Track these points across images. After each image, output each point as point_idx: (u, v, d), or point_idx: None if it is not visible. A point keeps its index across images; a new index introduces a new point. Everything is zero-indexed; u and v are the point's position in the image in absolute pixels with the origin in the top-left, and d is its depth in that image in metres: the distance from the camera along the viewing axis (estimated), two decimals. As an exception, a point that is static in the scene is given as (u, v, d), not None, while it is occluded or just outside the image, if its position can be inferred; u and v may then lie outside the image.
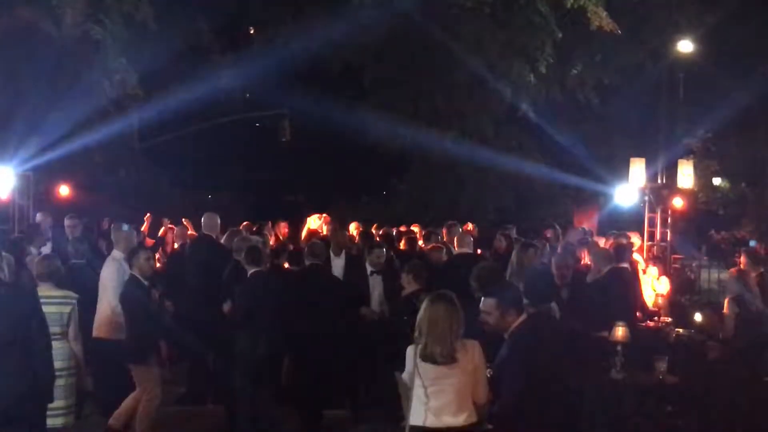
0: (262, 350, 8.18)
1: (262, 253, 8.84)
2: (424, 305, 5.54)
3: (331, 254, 9.94)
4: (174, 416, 8.82)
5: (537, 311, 6.13)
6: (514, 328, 5.72)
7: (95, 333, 8.40)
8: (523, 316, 5.78)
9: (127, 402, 8.03)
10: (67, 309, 7.23)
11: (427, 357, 5.43)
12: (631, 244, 10.90)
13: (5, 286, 6.18)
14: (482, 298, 5.89)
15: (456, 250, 10.20)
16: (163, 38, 14.92)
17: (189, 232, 11.92)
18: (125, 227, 9.43)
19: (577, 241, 11.43)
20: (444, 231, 11.58)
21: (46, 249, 10.21)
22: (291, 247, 11.23)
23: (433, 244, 10.78)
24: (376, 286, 9.39)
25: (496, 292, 5.96)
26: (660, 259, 12.99)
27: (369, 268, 9.47)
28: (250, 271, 8.46)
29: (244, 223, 12.35)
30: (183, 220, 12.48)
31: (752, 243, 12.54)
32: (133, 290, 7.97)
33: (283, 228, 13.09)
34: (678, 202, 14.56)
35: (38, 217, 12.07)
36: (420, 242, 11.54)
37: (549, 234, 12.73)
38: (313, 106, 19.76)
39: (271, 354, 8.33)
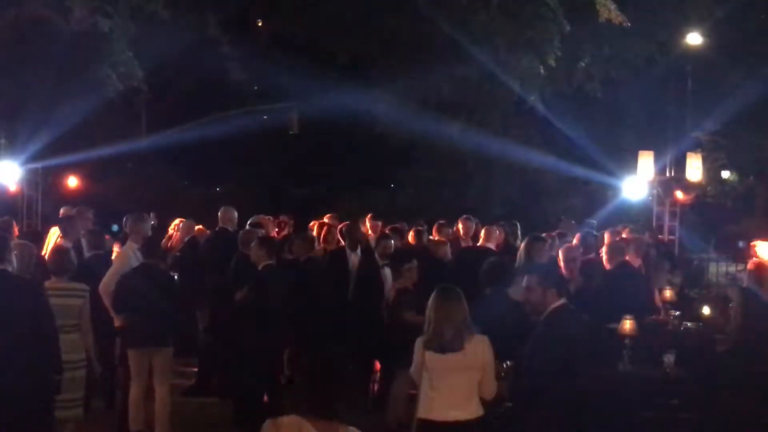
0: (269, 343, 8.22)
1: (275, 246, 8.90)
2: (432, 298, 5.59)
3: (348, 249, 10.03)
4: (182, 408, 8.85)
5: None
6: (554, 310, 5.75)
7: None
8: (562, 300, 5.82)
9: (135, 398, 8.06)
10: (78, 302, 7.26)
11: (434, 346, 5.47)
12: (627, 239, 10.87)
13: (11, 279, 6.20)
14: (525, 276, 5.92)
15: (481, 243, 10.24)
16: (170, 30, 14.91)
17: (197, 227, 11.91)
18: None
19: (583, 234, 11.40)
20: (460, 224, 11.58)
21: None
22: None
23: (438, 239, 10.81)
24: (387, 277, 9.44)
25: (538, 269, 6.03)
26: (670, 253, 12.95)
27: (380, 261, 9.52)
28: (263, 263, 8.47)
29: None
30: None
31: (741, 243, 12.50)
32: (135, 275, 8.03)
33: (285, 222, 13.10)
34: (686, 195, 14.55)
35: (63, 210, 11.98)
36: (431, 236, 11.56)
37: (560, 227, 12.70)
38: (322, 98, 19.76)
39: (276, 346, 8.37)
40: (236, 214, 10.57)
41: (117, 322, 8.32)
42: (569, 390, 5.51)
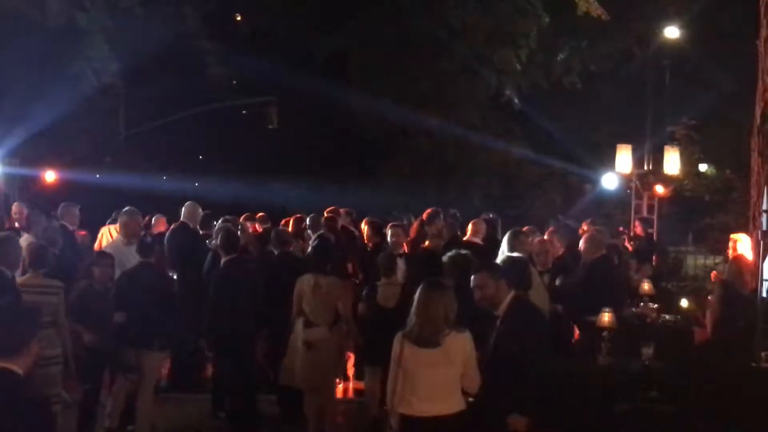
0: (238, 336, 8.19)
1: (237, 240, 8.83)
2: (418, 291, 5.56)
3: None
4: (162, 404, 8.80)
5: (519, 293, 6.10)
6: (510, 303, 5.74)
7: None
8: (512, 294, 5.81)
9: (119, 396, 8.01)
10: (54, 299, 7.21)
11: (415, 339, 5.45)
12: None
13: None
14: (473, 275, 5.89)
15: (468, 237, 10.28)
16: (149, 25, 14.82)
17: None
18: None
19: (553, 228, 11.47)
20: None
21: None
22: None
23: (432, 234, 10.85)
24: (399, 269, 9.46)
25: (484, 266, 6.00)
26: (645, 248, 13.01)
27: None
28: (225, 258, 8.42)
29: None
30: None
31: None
32: (132, 274, 7.98)
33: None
34: (664, 189, 14.61)
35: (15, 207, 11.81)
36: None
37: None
38: (301, 92, 19.71)
39: (245, 337, 8.32)
40: (200, 210, 10.44)
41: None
42: (533, 382, 5.52)
